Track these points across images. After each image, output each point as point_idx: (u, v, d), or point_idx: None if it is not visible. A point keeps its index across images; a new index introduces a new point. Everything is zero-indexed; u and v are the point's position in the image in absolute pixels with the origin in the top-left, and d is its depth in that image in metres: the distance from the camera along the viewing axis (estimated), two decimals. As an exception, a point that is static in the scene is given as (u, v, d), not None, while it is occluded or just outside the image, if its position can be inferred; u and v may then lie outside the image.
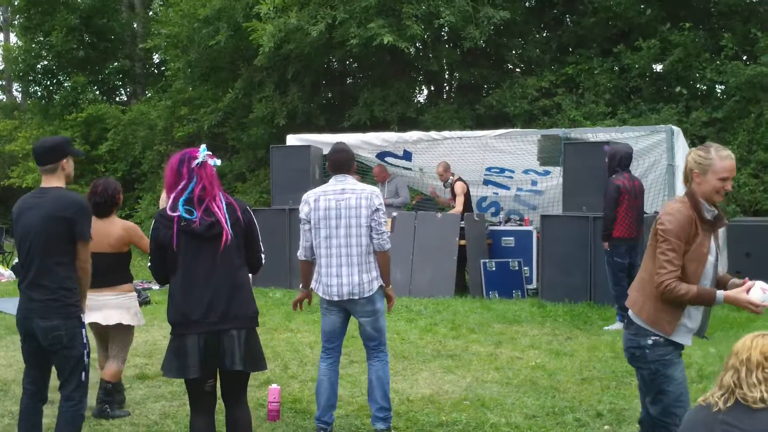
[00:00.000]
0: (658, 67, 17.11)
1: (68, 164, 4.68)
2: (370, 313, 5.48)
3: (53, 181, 4.62)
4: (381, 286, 5.48)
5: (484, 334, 9.05)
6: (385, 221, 5.44)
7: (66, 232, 4.46)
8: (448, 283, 11.78)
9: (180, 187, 4.14)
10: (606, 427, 5.69)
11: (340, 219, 5.37)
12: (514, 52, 18.66)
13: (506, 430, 5.59)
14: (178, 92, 21.03)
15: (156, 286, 13.29)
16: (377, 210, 5.40)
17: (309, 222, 5.45)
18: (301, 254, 5.58)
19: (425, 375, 7.23)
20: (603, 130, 12.71)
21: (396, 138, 13.40)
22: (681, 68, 16.19)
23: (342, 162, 5.55)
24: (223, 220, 4.10)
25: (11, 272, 15.10)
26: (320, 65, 18.89)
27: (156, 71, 26.52)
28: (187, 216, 4.08)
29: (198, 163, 4.15)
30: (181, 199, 4.11)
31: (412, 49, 16.73)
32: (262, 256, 4.36)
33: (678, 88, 16.66)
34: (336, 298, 5.42)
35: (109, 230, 5.92)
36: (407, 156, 13.87)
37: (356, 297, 5.40)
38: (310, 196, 5.50)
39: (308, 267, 5.58)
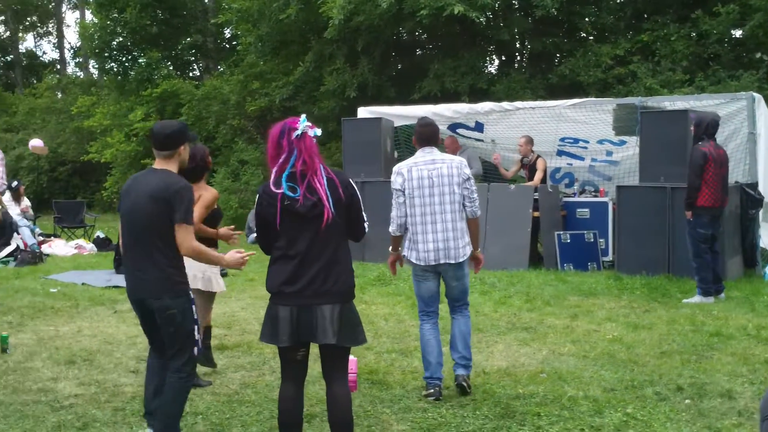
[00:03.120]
0: (738, 33, 16.57)
1: (185, 150, 4.73)
2: (460, 276, 5.79)
3: (165, 164, 4.66)
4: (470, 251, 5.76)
5: (559, 306, 8.96)
6: (474, 189, 5.71)
7: (167, 214, 4.48)
8: (521, 256, 11.68)
9: (281, 160, 4.13)
10: (687, 401, 5.58)
11: (433, 188, 5.62)
12: (587, 19, 18.26)
13: (584, 403, 5.53)
14: (249, 66, 21.22)
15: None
16: (468, 179, 5.69)
17: (404, 193, 5.64)
18: (395, 230, 5.78)
19: (500, 347, 7.20)
20: (681, 98, 12.39)
21: (467, 109, 13.29)
22: (762, 33, 15.63)
23: (430, 134, 5.82)
24: (325, 198, 4.08)
25: (93, 245, 15.50)
26: (390, 37, 18.81)
27: (227, 46, 26.78)
28: (290, 194, 4.07)
29: (298, 135, 4.13)
30: (284, 175, 4.11)
31: (482, 19, 16.53)
32: (366, 225, 4.36)
33: (759, 54, 16.12)
34: (433, 263, 5.67)
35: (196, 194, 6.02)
36: (479, 127, 13.75)
37: (452, 261, 5.66)
38: (401, 167, 5.74)
39: (400, 239, 5.84)
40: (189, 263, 5.99)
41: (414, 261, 5.73)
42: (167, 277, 4.51)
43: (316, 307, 4.10)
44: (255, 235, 14.15)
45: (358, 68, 18.08)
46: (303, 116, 4.22)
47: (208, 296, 6.21)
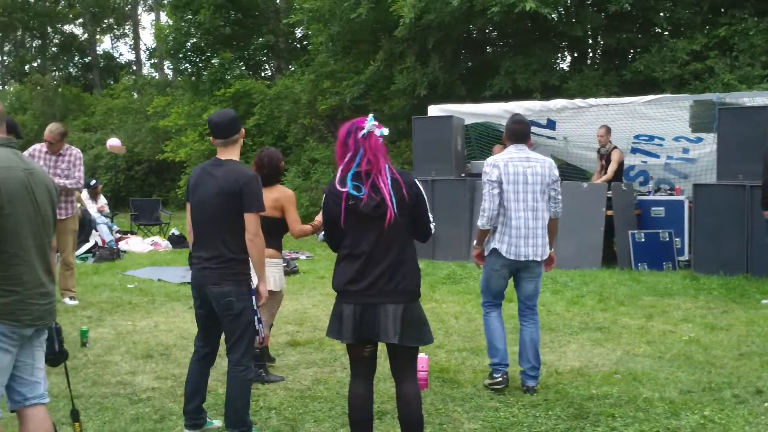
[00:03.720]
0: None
1: (241, 136, 4.87)
2: (537, 274, 5.85)
3: (230, 154, 4.77)
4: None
5: (633, 306, 8.81)
6: (560, 190, 5.81)
7: (236, 205, 4.60)
8: (594, 255, 11.52)
9: (347, 159, 4.16)
10: (766, 404, 5.43)
11: (527, 185, 5.70)
12: (662, 14, 17.89)
13: (660, 405, 5.42)
14: (320, 66, 21.37)
15: (303, 256, 13.64)
16: (557, 180, 5.79)
17: (500, 185, 5.67)
18: (484, 223, 5.76)
19: (573, 347, 7.11)
20: (761, 94, 12.05)
21: (539, 106, 13.17)
22: None
23: (522, 132, 5.89)
24: (388, 199, 4.07)
25: (168, 242, 15.81)
26: (460, 34, 18.76)
27: (299, 46, 27.04)
28: (354, 193, 4.10)
29: (364, 134, 4.15)
30: (350, 174, 4.13)
31: (554, 15, 16.37)
32: (431, 226, 4.33)
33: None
34: (522, 259, 5.72)
35: (267, 195, 6.05)
36: (551, 125, 13.61)
37: (537, 258, 5.75)
38: (497, 160, 5.78)
39: (487, 233, 5.82)
40: (272, 264, 6.08)
41: (504, 254, 5.73)
42: (230, 266, 4.63)
43: (379, 306, 4.11)
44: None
45: (428, 66, 18.06)
46: (370, 116, 4.24)
47: (271, 296, 6.20)
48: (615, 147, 12.34)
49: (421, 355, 5.92)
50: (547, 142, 14.19)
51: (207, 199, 4.68)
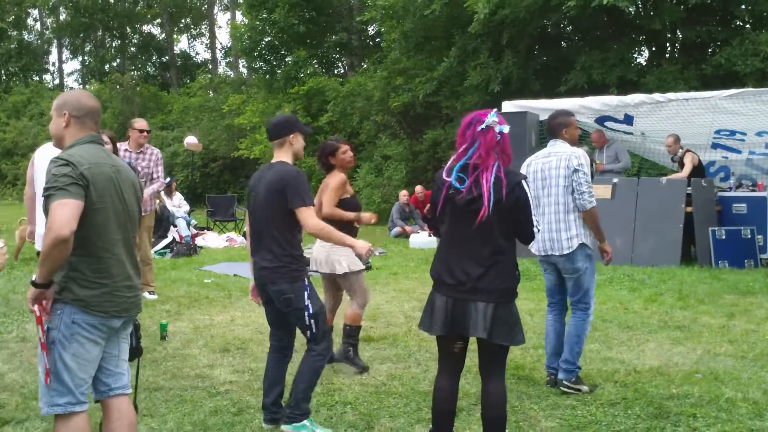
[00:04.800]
0: None
1: (296, 140, 4.93)
2: (571, 270, 5.72)
3: (280, 156, 4.92)
4: (582, 245, 5.63)
5: (714, 305, 8.60)
6: (585, 181, 5.58)
7: (282, 203, 4.71)
8: (673, 252, 11.28)
9: (461, 150, 4.16)
10: None
11: (545, 180, 5.70)
12: (743, 6, 17.39)
13: (743, 406, 5.27)
14: (393, 63, 21.40)
15: (376, 252, 13.67)
16: (576, 171, 5.59)
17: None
18: None
19: (652, 346, 6.97)
20: None
21: (617, 101, 12.92)
22: None
23: (552, 128, 5.87)
24: (486, 197, 4.02)
25: (242, 238, 16.04)
26: (535, 29, 18.55)
27: (371, 43, 27.13)
28: (456, 185, 4.09)
29: (482, 128, 4.12)
30: (458, 165, 4.13)
31: (632, 9, 16.03)
32: (535, 230, 4.22)
33: None
34: (542, 253, 5.77)
35: (326, 182, 6.20)
36: (628, 120, 13.35)
37: (555, 253, 5.69)
38: (527, 160, 5.89)
39: None
40: (315, 248, 6.18)
41: (534, 251, 5.81)
42: (283, 264, 4.72)
43: (471, 303, 4.07)
44: (398, 228, 14.35)
45: (502, 62, 17.93)
46: (494, 111, 4.19)
47: (340, 280, 6.25)
48: (687, 150, 12.11)
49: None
50: (624, 138, 13.93)
51: (258, 201, 4.84)
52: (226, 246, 15.30)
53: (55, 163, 3.54)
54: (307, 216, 4.68)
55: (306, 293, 4.76)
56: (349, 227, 6.15)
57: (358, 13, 23.94)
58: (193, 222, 16.60)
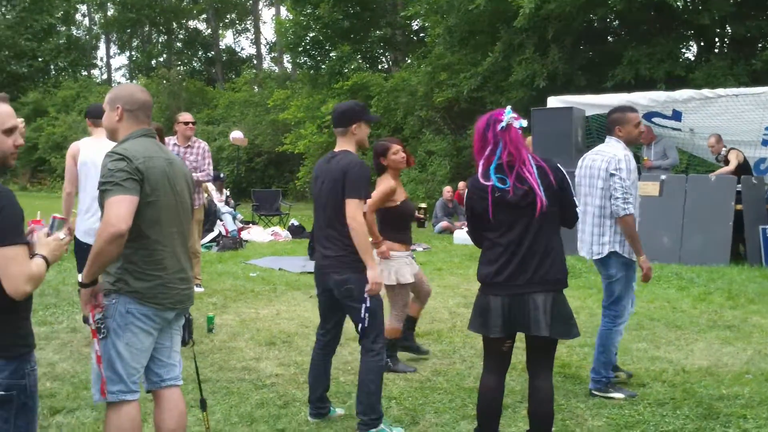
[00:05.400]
0: None
1: (359, 129, 4.84)
2: (604, 276, 5.62)
3: (343, 144, 4.85)
4: (613, 253, 5.47)
5: (765, 304, 8.45)
6: (620, 186, 5.35)
7: (341, 193, 4.66)
8: (722, 250, 11.10)
9: (487, 152, 4.11)
10: None
11: (584, 178, 5.65)
12: (796, -1, 17.10)
13: (796, 409, 5.19)
14: (437, 58, 21.35)
15: (420, 248, 13.67)
16: (612, 175, 5.40)
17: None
18: None
19: (701, 346, 6.87)
20: None
21: (664, 97, 12.76)
22: None
23: (607, 125, 5.72)
24: (536, 186, 4.01)
25: (288, 232, 16.14)
26: (581, 24, 18.38)
27: (416, 38, 27.09)
28: (500, 185, 4.05)
29: (503, 127, 4.10)
30: (492, 167, 4.09)
31: (679, 3, 15.82)
32: (577, 210, 4.27)
33: None
34: (582, 254, 5.70)
35: (377, 186, 6.03)
36: (676, 116, 13.18)
37: (587, 256, 5.64)
38: (584, 155, 5.78)
39: None
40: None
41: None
42: (346, 254, 4.68)
43: (528, 296, 4.04)
44: (442, 224, 14.24)
45: (547, 57, 17.80)
46: (508, 108, 4.17)
47: (396, 290, 6.15)
48: (732, 149, 11.94)
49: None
50: (672, 134, 13.75)
51: (321, 189, 4.79)
52: (271, 240, 15.41)
53: (111, 157, 3.58)
54: (354, 208, 4.60)
55: (368, 287, 4.71)
56: (401, 223, 6.10)
57: (402, 8, 23.88)
58: (239, 216, 16.74)
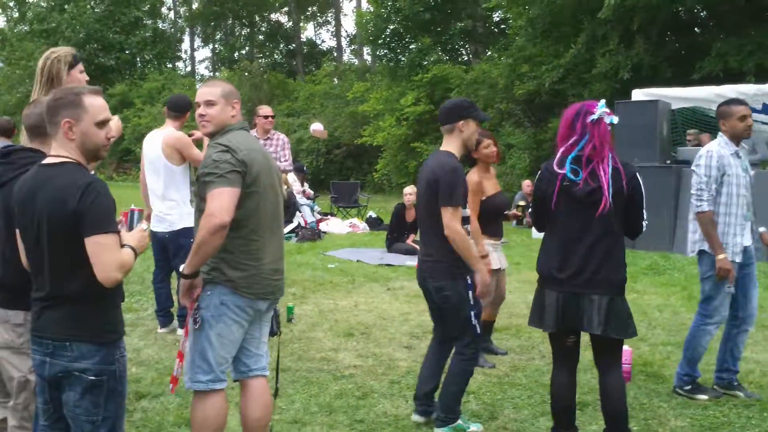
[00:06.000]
0: None
1: (466, 127, 4.66)
2: (700, 273, 5.41)
3: (447, 143, 4.69)
4: (703, 251, 5.31)
5: None
6: (695, 182, 5.27)
7: (436, 198, 4.53)
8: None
9: (571, 142, 4.07)
10: None
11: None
12: None
13: None
14: (518, 50, 21.12)
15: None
16: (693, 170, 5.32)
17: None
18: None
19: (790, 347, 6.67)
20: None
21: (754, 90, 12.38)
22: None
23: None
24: (606, 187, 3.95)
25: (365, 224, 16.22)
26: (667, 15, 17.93)
27: (496, 30, 26.87)
28: (571, 176, 4.01)
29: (593, 119, 4.04)
30: (570, 156, 4.05)
31: (773, -8, 15.32)
32: (644, 223, 4.14)
33: None
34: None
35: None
36: (766, 110, 12.76)
37: (688, 253, 5.53)
38: None
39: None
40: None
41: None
42: (442, 260, 4.57)
43: (584, 296, 4.01)
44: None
45: (632, 49, 17.42)
46: (602, 101, 4.10)
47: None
48: None
49: (625, 348, 5.73)
50: (762, 128, 13.30)
51: (421, 188, 4.70)
52: (349, 232, 15.50)
53: (215, 148, 3.64)
54: (449, 217, 4.45)
55: (470, 292, 4.59)
56: (490, 217, 6.05)
57: (484, 0, 23.69)
58: (317, 208, 16.89)
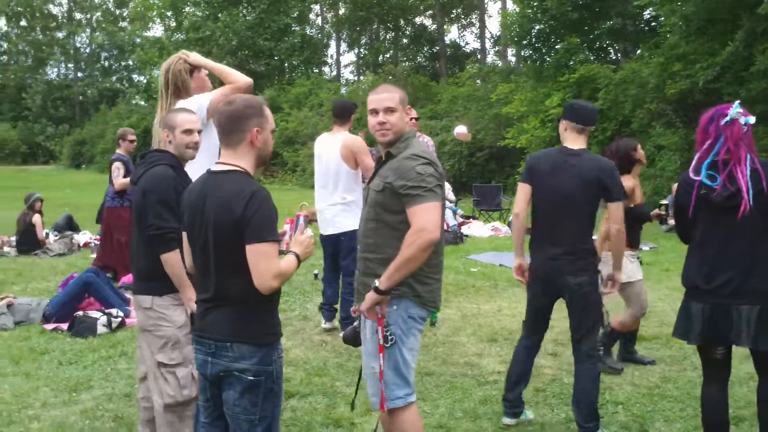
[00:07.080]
0: None
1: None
2: None
3: (579, 142, 4.70)
4: None
5: None
6: None
7: (594, 195, 4.55)
8: None
9: (705, 147, 3.93)
10: None
11: None
12: None
13: None
14: (671, 48, 20.37)
15: (646, 247, 13.16)
16: None
17: None
18: None
19: None
20: None
21: None
22: None
23: None
24: (744, 190, 3.77)
25: (508, 228, 16.05)
26: (834, 9, 16.87)
27: (647, 28, 26.08)
28: (708, 182, 3.87)
29: (726, 121, 3.87)
30: (705, 163, 3.90)
31: None
32: None
33: None
34: None
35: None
36: None
37: None
38: None
39: None
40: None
41: None
42: (586, 257, 4.55)
43: (732, 308, 3.83)
44: (672, 222, 13.47)
45: (795, 45, 16.51)
46: (736, 102, 3.94)
47: (627, 288, 5.91)
48: None
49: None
50: None
51: (564, 189, 4.57)
52: (491, 235, 15.39)
53: (417, 161, 3.58)
54: (618, 211, 4.59)
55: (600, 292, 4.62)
56: (632, 226, 5.88)
57: (638, -3, 23.03)
58: (459, 211, 16.85)
